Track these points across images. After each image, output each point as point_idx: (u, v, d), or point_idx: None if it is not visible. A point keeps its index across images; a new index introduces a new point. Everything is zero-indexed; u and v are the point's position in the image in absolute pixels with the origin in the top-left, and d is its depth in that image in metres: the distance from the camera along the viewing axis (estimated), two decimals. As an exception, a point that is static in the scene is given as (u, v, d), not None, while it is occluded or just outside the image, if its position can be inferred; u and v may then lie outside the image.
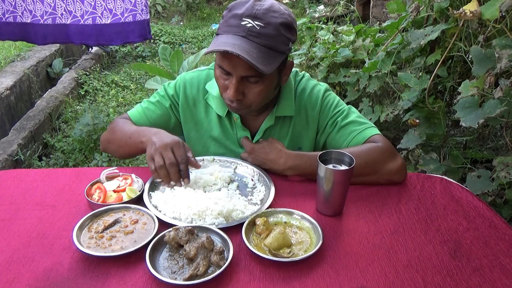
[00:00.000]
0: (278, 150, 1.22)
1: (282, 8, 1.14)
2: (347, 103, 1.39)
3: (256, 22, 1.09)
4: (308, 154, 1.22)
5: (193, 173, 1.19)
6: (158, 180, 1.13)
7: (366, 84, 2.40)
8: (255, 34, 1.09)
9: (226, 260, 0.89)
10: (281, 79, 1.24)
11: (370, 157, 1.19)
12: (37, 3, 2.70)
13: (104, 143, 1.38)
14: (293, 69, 1.37)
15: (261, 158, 1.24)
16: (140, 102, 1.41)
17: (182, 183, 1.13)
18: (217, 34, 1.17)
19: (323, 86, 1.37)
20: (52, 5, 2.72)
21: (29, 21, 2.75)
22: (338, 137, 1.31)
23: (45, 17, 2.75)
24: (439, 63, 1.91)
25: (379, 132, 1.28)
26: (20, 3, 2.69)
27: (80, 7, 2.74)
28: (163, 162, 1.10)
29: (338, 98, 1.37)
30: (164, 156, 1.10)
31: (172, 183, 1.12)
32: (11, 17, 2.70)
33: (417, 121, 2.03)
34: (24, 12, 2.71)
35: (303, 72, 1.41)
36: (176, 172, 1.11)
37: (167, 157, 1.10)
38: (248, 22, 1.09)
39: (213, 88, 1.33)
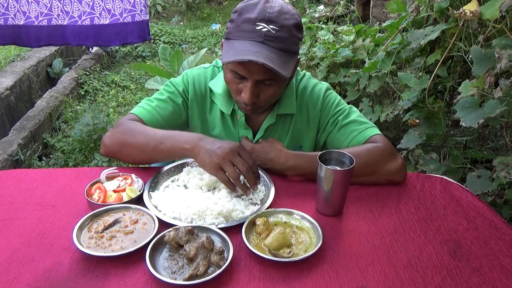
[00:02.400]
0: (278, 150, 1.22)
1: (290, 8, 1.15)
2: (347, 103, 1.39)
3: (271, 26, 1.09)
4: (308, 154, 1.22)
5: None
6: (237, 192, 1.10)
7: (366, 84, 2.40)
8: (271, 39, 1.09)
9: (226, 260, 0.88)
10: (291, 77, 1.25)
11: (370, 157, 1.19)
12: (32, 3, 2.63)
13: (113, 146, 1.24)
14: None
15: (261, 158, 1.24)
16: (139, 102, 1.39)
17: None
18: (227, 39, 1.15)
19: (325, 85, 1.37)
20: (48, 5, 2.67)
21: (21, 23, 2.66)
22: (338, 136, 1.31)
23: (40, 18, 2.68)
24: (439, 63, 1.91)
25: (379, 132, 1.28)
26: (13, 4, 2.60)
27: (78, 7, 2.71)
28: (238, 171, 1.06)
29: (339, 97, 1.37)
30: (236, 164, 1.06)
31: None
32: (2, 20, 2.61)
33: (417, 121, 2.03)
34: (17, 13, 2.63)
35: (304, 71, 1.41)
36: (253, 177, 1.08)
37: (240, 163, 1.06)
38: (263, 27, 1.08)
39: (216, 86, 1.33)
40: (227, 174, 1.07)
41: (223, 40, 1.20)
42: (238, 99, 1.21)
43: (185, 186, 1.18)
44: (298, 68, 1.40)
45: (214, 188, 1.16)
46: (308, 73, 1.40)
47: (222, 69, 1.35)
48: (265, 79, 1.13)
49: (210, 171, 1.10)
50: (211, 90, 1.35)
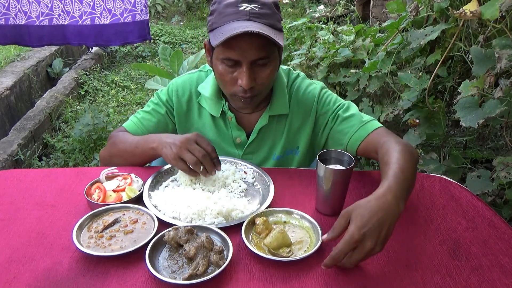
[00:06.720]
0: (376, 208, 0.89)
1: None
2: (347, 103, 1.38)
3: (254, 5, 1.11)
4: (388, 181, 0.94)
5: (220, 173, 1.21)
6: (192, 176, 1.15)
7: (366, 84, 2.40)
8: (257, 15, 1.11)
9: (226, 260, 0.89)
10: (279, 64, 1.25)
11: (410, 164, 1.02)
12: (33, 3, 2.64)
13: (106, 158, 1.35)
14: (287, 67, 1.39)
15: (376, 233, 0.86)
16: (140, 103, 1.41)
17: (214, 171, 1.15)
18: (212, 30, 1.15)
19: (319, 84, 1.37)
20: (49, 5, 2.68)
21: (23, 23, 2.67)
22: (340, 129, 1.30)
23: (41, 18, 2.69)
24: (439, 63, 1.91)
25: (381, 125, 1.27)
26: (14, 4, 2.62)
27: (79, 7, 2.72)
28: (195, 157, 1.10)
29: (335, 95, 1.37)
30: (192, 151, 1.11)
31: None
32: (3, 20, 2.63)
33: (417, 121, 2.03)
34: (18, 13, 2.64)
35: (297, 71, 1.41)
36: (210, 162, 1.12)
37: (196, 150, 1.11)
38: (246, 6, 1.11)
39: (204, 89, 1.33)
40: (187, 162, 1.12)
41: (205, 40, 1.23)
42: (235, 90, 1.18)
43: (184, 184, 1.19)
44: (292, 68, 1.40)
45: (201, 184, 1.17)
46: (302, 74, 1.40)
47: (210, 73, 1.37)
48: (259, 57, 1.13)
49: (171, 162, 1.14)
50: (199, 95, 1.36)
